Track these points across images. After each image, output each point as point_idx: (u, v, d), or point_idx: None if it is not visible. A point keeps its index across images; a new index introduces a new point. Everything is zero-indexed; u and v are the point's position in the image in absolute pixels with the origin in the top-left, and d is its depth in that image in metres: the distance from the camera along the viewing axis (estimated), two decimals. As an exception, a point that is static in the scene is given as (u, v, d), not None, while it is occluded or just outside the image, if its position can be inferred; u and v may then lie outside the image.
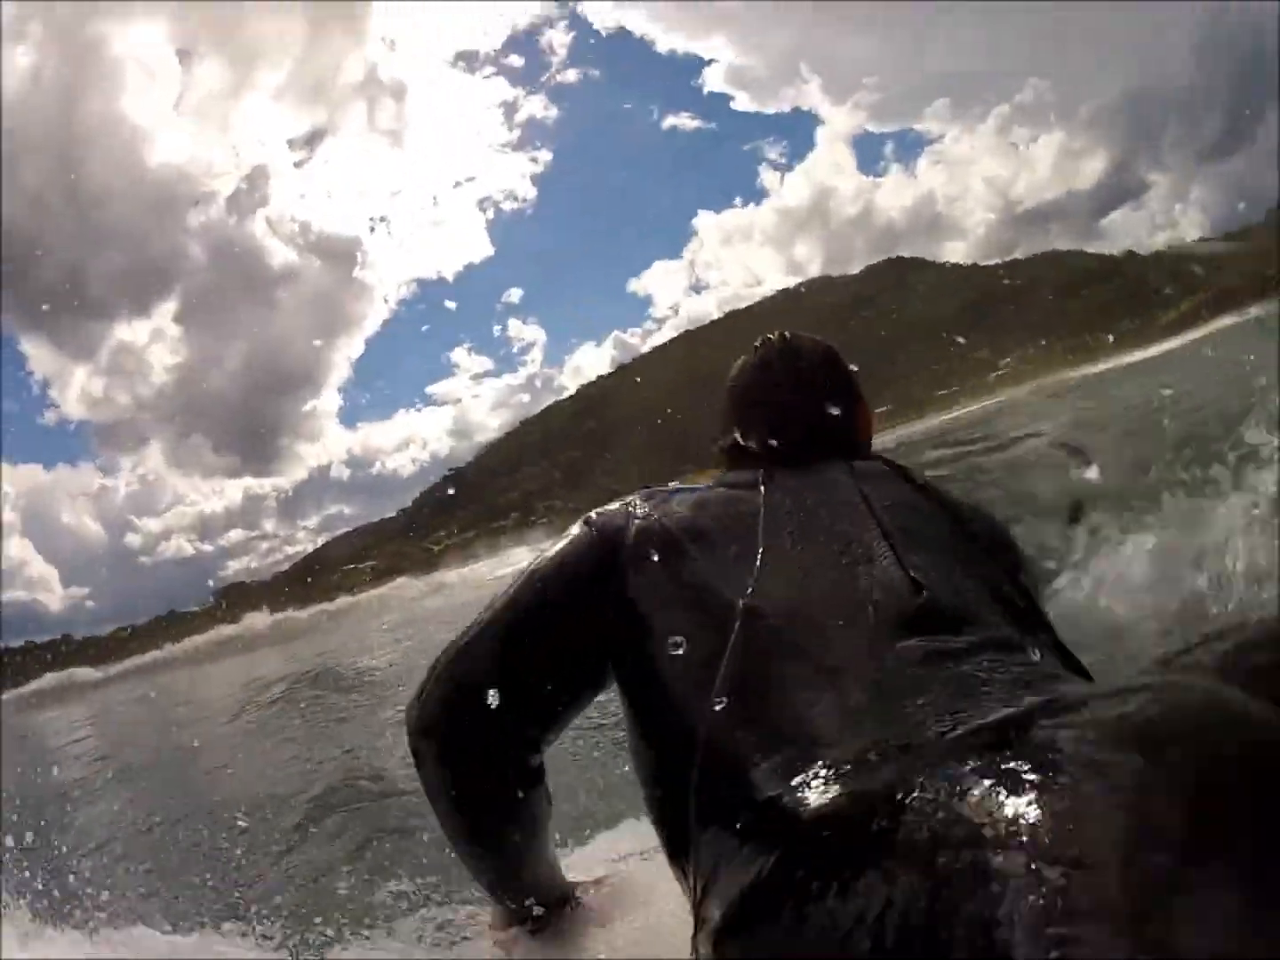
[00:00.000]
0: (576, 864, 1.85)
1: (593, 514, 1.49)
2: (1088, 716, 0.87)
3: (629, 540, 1.38)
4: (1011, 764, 0.79)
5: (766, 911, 0.84)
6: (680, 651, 1.20)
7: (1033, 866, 0.68)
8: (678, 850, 1.16)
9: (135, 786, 8.74)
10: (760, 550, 1.27)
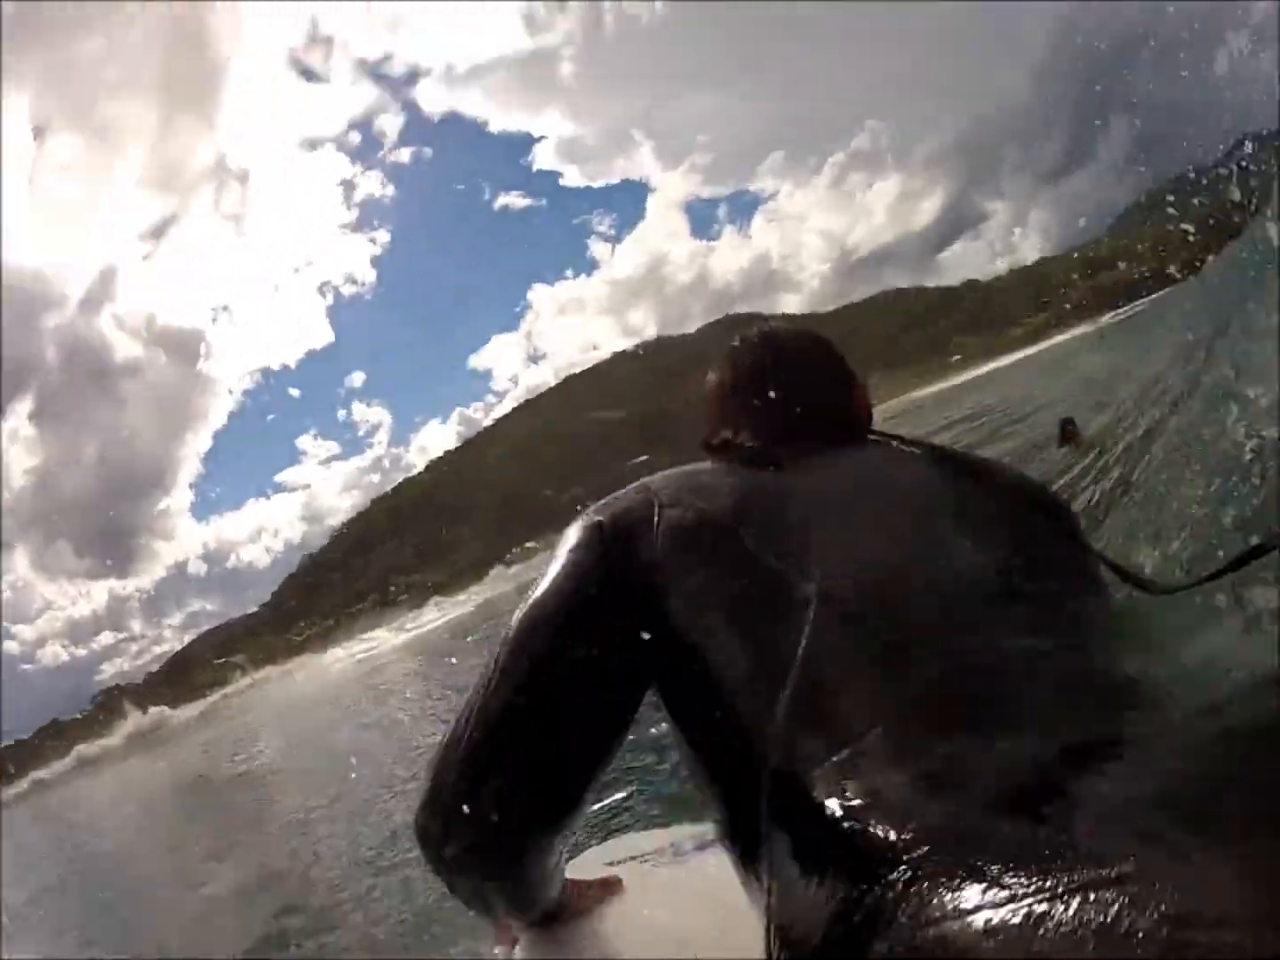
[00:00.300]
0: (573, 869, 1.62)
1: (599, 512, 1.16)
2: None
3: (660, 536, 1.09)
4: (1134, 795, 0.68)
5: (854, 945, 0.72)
6: (743, 651, 1.00)
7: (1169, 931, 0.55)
8: (749, 858, 0.98)
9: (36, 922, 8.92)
10: (813, 532, 1.06)
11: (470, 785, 1.06)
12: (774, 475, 1.18)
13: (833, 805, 0.83)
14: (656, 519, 1.09)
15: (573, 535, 1.15)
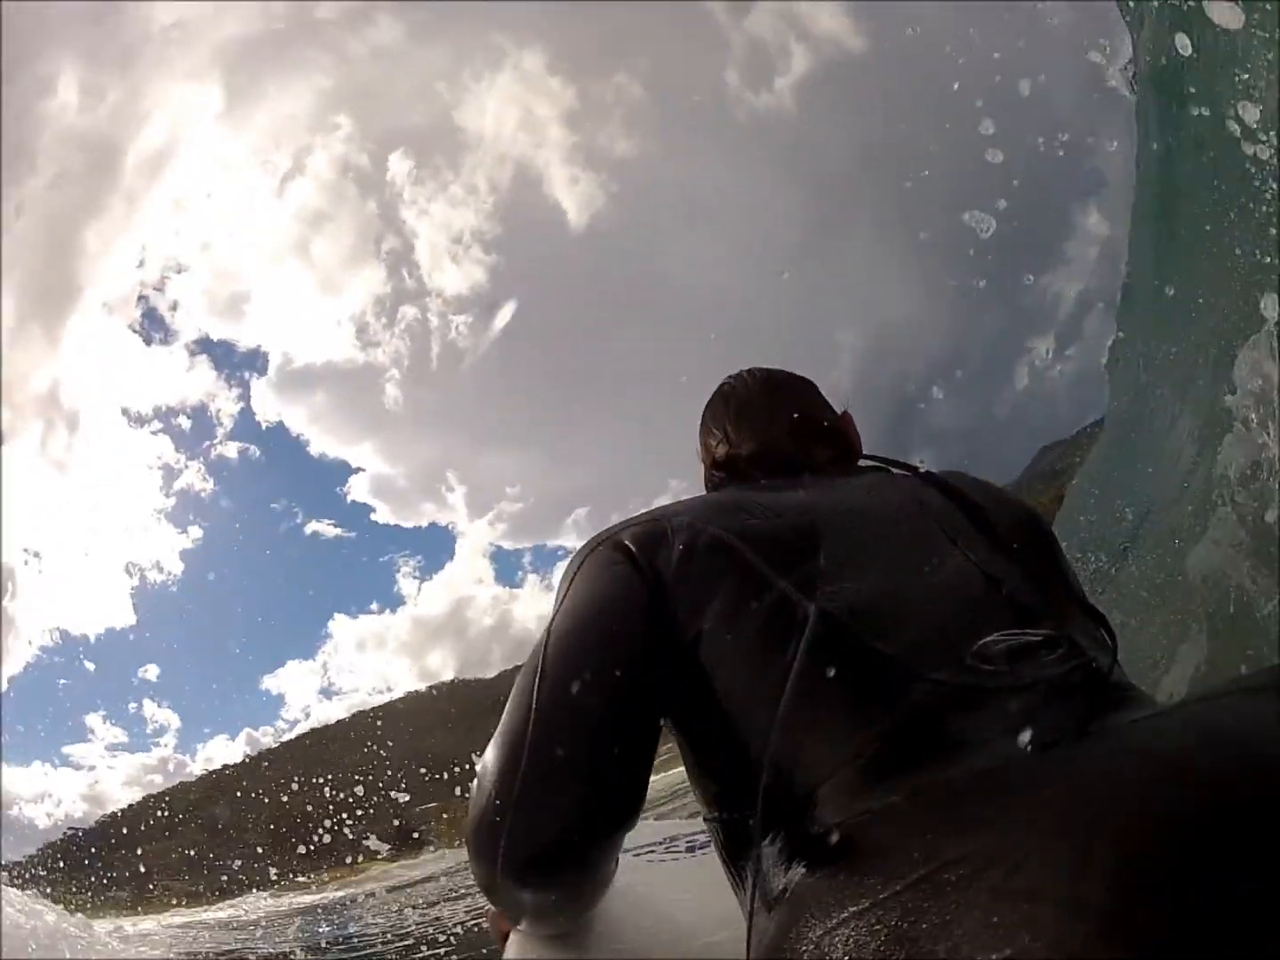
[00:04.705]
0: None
1: (619, 534, 1.12)
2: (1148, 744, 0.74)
3: (675, 557, 1.05)
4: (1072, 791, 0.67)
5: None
6: (746, 669, 0.97)
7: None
8: (737, 859, 1.00)
9: None
10: (822, 551, 1.04)
11: (538, 787, 0.97)
12: (778, 496, 1.15)
13: (831, 808, 0.85)
14: (671, 542, 1.07)
15: (601, 554, 1.11)
